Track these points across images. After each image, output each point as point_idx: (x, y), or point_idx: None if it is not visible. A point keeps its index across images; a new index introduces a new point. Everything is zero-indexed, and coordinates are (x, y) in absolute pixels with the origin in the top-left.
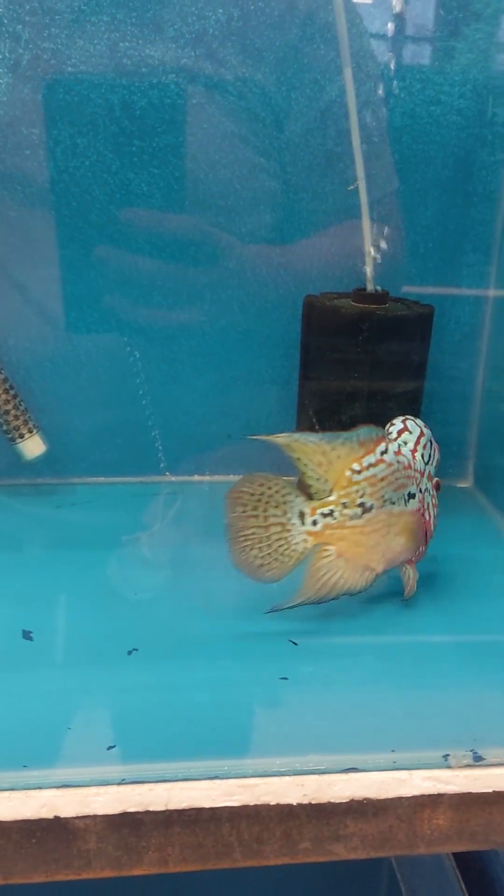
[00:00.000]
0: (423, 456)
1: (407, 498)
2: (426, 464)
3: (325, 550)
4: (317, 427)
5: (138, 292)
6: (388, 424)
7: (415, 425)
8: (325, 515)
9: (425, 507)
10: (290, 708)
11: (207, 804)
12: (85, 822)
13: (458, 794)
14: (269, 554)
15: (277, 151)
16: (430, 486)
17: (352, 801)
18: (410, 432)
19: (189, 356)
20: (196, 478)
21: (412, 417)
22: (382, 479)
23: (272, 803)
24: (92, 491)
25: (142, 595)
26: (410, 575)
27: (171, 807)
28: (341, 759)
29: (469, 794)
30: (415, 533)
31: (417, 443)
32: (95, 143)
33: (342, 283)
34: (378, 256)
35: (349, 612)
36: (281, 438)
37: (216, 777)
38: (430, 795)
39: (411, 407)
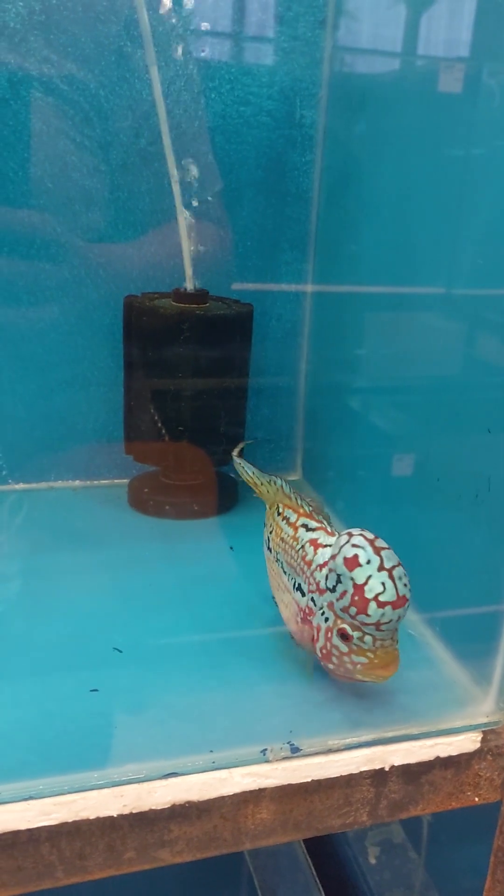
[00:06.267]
0: (327, 578)
1: (295, 585)
2: (328, 588)
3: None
4: (161, 427)
5: None
6: (350, 532)
7: (353, 552)
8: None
9: (313, 623)
10: (104, 719)
11: (24, 826)
12: None
13: (279, 787)
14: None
15: (89, 150)
16: (326, 610)
17: (174, 805)
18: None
19: (8, 361)
20: (14, 486)
21: (382, 549)
22: (282, 540)
23: (92, 817)
24: None
25: None
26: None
27: None
28: (160, 766)
29: (289, 785)
30: (291, 615)
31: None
32: None
33: (165, 283)
34: (193, 255)
35: (173, 614)
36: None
37: (30, 798)
38: (251, 791)
39: (237, 404)
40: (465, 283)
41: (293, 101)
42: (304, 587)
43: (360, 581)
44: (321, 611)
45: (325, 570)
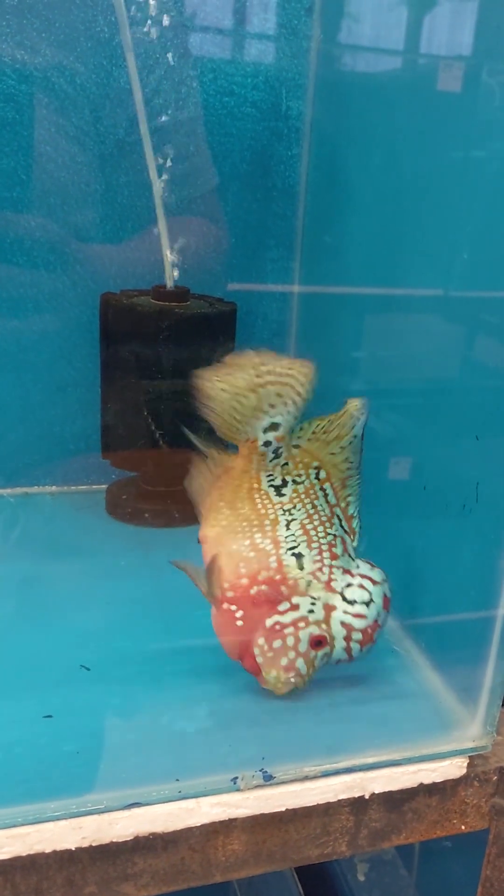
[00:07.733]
0: (350, 587)
1: (294, 550)
2: (346, 599)
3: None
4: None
5: None
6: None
7: (366, 587)
8: (274, 451)
9: (288, 597)
10: (62, 744)
11: None
12: None
13: (251, 817)
14: (222, 418)
15: (64, 140)
16: (319, 608)
17: (137, 837)
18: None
19: None
20: None
21: (384, 591)
22: (314, 508)
23: (48, 851)
24: None
25: None
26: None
27: None
28: (122, 795)
29: (262, 815)
30: (251, 561)
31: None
32: None
33: (144, 280)
34: (175, 253)
35: (148, 629)
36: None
37: None
38: (221, 822)
39: None
40: (457, 285)
41: (279, 91)
42: (308, 565)
43: (381, 622)
44: (311, 602)
45: (347, 579)
